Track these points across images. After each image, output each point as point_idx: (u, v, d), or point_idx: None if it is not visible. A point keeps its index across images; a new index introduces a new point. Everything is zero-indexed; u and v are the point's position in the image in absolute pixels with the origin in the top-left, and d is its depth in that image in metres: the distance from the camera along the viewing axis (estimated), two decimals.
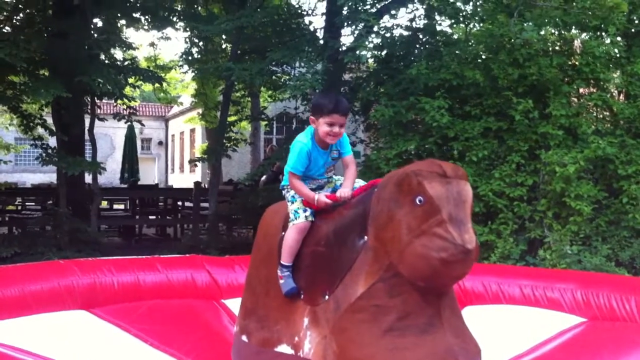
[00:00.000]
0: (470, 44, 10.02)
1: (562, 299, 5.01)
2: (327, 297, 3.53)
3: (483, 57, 9.65)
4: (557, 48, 9.35)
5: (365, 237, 3.44)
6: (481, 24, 10.21)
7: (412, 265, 3.12)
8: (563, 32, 9.38)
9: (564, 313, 4.93)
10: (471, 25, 10.52)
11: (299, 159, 3.75)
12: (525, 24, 8.35)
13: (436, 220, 3.03)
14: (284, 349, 3.71)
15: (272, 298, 3.87)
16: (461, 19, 10.30)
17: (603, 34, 9.09)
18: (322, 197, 3.72)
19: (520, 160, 8.38)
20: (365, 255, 3.39)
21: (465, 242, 2.99)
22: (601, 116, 9.36)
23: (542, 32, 8.96)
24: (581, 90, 9.20)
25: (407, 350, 3.16)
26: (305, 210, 3.78)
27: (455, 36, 11.11)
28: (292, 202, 3.85)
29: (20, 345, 4.20)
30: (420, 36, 10.76)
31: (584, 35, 9.37)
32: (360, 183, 3.87)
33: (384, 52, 10.64)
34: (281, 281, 3.79)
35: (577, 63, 8.89)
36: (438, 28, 10.86)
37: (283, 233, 3.89)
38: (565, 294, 5.03)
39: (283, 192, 4.02)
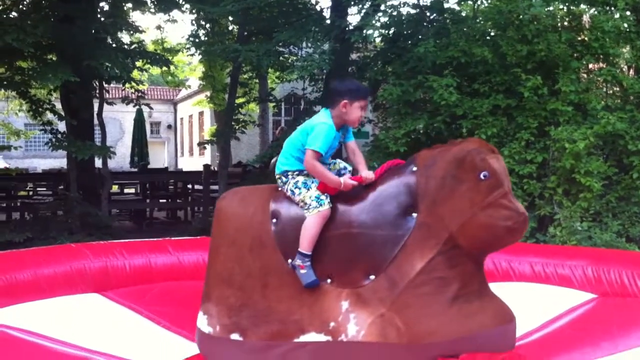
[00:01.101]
0: (478, 21, 9.96)
1: (573, 276, 5.03)
2: (372, 277, 3.54)
3: (491, 34, 9.59)
4: (565, 24, 9.26)
5: (414, 215, 3.53)
6: (489, 1, 10.12)
7: (476, 235, 3.42)
8: (572, 7, 9.28)
9: (574, 289, 4.95)
10: (479, 2, 10.45)
11: (326, 140, 3.66)
12: (533, 0, 8.28)
13: (500, 193, 3.38)
14: (313, 337, 3.58)
15: (275, 289, 3.72)
16: None
17: (612, 8, 8.99)
18: (347, 179, 3.67)
19: (529, 137, 8.34)
20: (419, 232, 3.51)
21: (523, 210, 3.40)
22: (611, 92, 9.29)
23: (551, 8, 8.87)
24: (590, 65, 9.13)
25: (477, 315, 3.44)
26: (326, 197, 3.66)
27: (463, 13, 11.04)
28: (308, 189, 3.69)
29: (34, 328, 4.25)
30: (428, 14, 10.69)
31: (592, 10, 9.27)
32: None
33: (391, 31, 10.58)
34: (302, 271, 3.61)
35: (586, 38, 8.81)
36: (445, 5, 10.79)
37: (274, 220, 3.78)
38: (576, 270, 5.04)
39: (284, 178, 3.85)
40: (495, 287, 5.15)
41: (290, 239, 3.68)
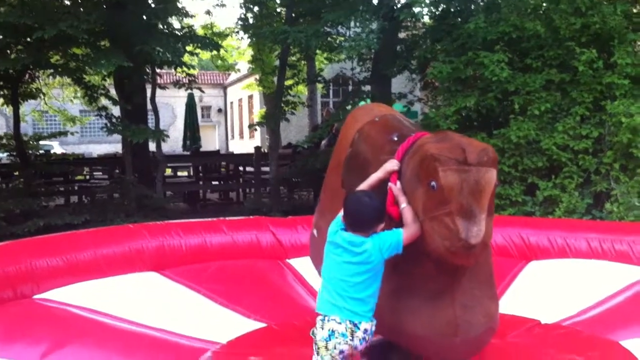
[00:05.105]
0: None
1: (631, 251, 4.92)
2: None
3: (543, 7, 9.38)
4: None
5: None
6: None
7: (424, 239, 3.15)
8: None
9: (632, 265, 4.84)
10: None
11: None
12: None
13: (445, 210, 3.01)
14: None
15: (337, 204, 3.74)
16: None
17: None
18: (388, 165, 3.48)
19: (584, 112, 8.16)
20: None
21: (469, 236, 2.97)
22: None
23: None
24: None
25: (409, 314, 3.30)
26: None
27: None
28: None
29: (95, 306, 4.37)
30: None
31: None
32: None
33: (440, 8, 10.46)
34: None
35: None
36: None
37: (350, 149, 3.83)
38: (635, 246, 4.93)
39: None
40: (550, 264, 5.13)
41: (350, 167, 3.78)
